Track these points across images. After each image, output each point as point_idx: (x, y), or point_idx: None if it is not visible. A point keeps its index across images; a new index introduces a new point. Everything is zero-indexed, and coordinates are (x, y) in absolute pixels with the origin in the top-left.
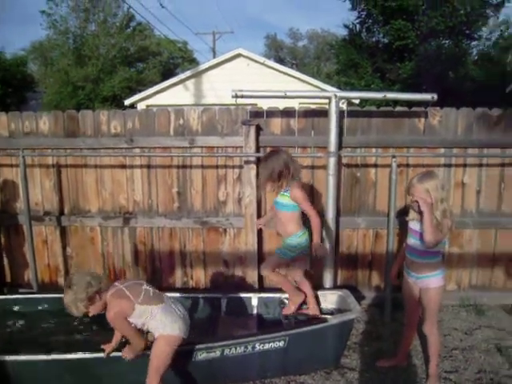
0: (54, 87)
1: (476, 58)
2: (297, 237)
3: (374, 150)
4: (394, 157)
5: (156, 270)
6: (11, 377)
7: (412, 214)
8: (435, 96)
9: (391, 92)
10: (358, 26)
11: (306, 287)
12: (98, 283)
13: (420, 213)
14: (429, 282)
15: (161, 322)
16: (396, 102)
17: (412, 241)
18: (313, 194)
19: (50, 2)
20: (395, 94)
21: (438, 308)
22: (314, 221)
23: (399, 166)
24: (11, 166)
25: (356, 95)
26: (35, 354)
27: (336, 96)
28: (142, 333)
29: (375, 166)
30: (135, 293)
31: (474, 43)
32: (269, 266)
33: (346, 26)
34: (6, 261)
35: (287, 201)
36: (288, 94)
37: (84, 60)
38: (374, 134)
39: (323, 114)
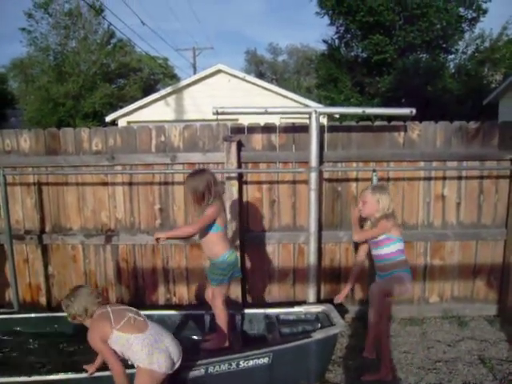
0: (35, 104)
1: (453, 71)
2: (225, 257)
3: (354, 164)
4: (374, 171)
5: (139, 288)
6: None
7: (367, 225)
8: (414, 110)
9: (370, 107)
10: (336, 40)
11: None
12: (93, 306)
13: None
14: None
15: (136, 353)
16: (376, 117)
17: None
18: (295, 209)
19: (30, 20)
20: (374, 109)
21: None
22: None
23: (380, 179)
24: None
25: (336, 111)
26: (16, 376)
27: (316, 112)
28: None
29: (356, 180)
30: (118, 318)
31: (451, 57)
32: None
33: (325, 41)
34: None
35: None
36: (269, 110)
37: (65, 77)
38: (354, 149)
39: (304, 129)
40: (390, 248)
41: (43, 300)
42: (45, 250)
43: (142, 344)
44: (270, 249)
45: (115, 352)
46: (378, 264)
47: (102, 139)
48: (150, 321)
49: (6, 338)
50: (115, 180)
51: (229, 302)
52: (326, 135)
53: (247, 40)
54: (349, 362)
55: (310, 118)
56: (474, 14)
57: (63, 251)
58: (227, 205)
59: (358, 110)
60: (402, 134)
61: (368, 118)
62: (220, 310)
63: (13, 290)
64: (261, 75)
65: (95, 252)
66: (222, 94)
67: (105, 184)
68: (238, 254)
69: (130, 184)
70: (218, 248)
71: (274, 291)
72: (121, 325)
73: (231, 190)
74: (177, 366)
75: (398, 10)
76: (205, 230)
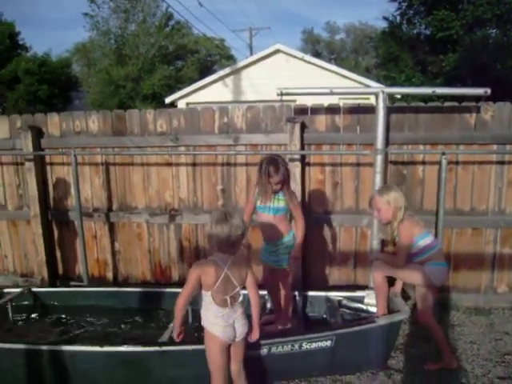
0: (97, 87)
1: None
2: (290, 236)
3: (421, 146)
4: (443, 154)
5: None
6: (67, 367)
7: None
8: (488, 90)
9: (441, 87)
10: (398, 17)
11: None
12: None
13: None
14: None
15: (205, 310)
16: (438, 97)
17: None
18: (357, 192)
19: (92, 5)
20: (445, 89)
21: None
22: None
23: (448, 163)
24: (63, 164)
25: (404, 91)
26: (89, 346)
27: (383, 92)
28: None
29: (423, 163)
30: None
31: None
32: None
33: (385, 18)
34: (58, 255)
35: (282, 204)
36: (334, 90)
37: (125, 59)
38: (421, 131)
39: (369, 110)
40: (416, 247)
41: (110, 275)
42: (112, 228)
43: (216, 315)
44: (331, 231)
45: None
46: (413, 262)
47: (167, 120)
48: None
49: (77, 310)
50: (179, 161)
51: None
52: (392, 116)
53: (304, 19)
54: (411, 350)
55: (376, 98)
56: None
57: (129, 229)
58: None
59: (428, 91)
60: (474, 115)
61: (431, 98)
62: (288, 290)
63: (83, 265)
64: (318, 55)
65: (159, 231)
66: (280, 75)
67: (169, 164)
68: None
69: (194, 165)
70: (285, 227)
71: (335, 274)
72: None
73: (294, 172)
74: (238, 339)
75: None
76: (272, 213)
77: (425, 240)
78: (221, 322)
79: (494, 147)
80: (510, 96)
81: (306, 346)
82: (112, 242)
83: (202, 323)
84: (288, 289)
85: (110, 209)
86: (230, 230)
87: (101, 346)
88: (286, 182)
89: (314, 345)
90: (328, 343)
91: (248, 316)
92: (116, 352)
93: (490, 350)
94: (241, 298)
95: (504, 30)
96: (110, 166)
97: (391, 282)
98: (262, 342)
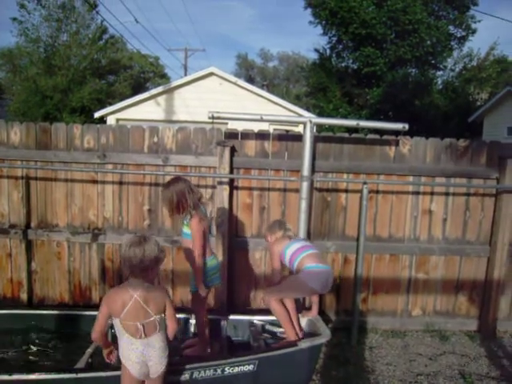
0: (22, 95)
1: (441, 87)
2: (208, 261)
3: (345, 175)
4: (365, 183)
5: None
6: None
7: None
8: (406, 126)
9: (364, 120)
10: (328, 50)
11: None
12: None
13: None
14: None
15: (119, 341)
16: (362, 129)
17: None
18: (284, 216)
19: (22, 10)
20: (368, 123)
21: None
22: (195, 262)
23: (369, 191)
24: None
25: (330, 122)
26: None
27: (311, 122)
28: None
29: (346, 191)
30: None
31: (439, 73)
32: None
33: (316, 50)
34: None
35: (188, 230)
36: (264, 117)
37: (54, 70)
38: (346, 160)
39: (297, 138)
40: (287, 258)
41: (24, 296)
42: (29, 246)
43: (128, 348)
44: (257, 255)
45: None
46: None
47: (95, 136)
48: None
49: None
50: (105, 178)
51: (212, 308)
52: (319, 145)
53: (239, 44)
54: (332, 372)
55: (304, 127)
56: (464, 33)
57: (48, 247)
58: (217, 209)
59: (353, 123)
60: (393, 148)
61: (356, 129)
62: (200, 316)
63: None
64: (251, 80)
65: (80, 250)
66: (212, 97)
67: (94, 182)
68: (221, 259)
69: (121, 183)
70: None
71: (259, 298)
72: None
73: (222, 195)
74: (153, 376)
75: (390, 24)
76: (183, 237)
77: (291, 249)
78: (133, 357)
79: (411, 178)
80: (427, 131)
81: (228, 370)
82: (29, 261)
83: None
84: (199, 313)
85: (28, 225)
86: (142, 255)
87: (9, 374)
88: (176, 209)
89: (236, 369)
90: (251, 367)
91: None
92: (27, 380)
93: (404, 371)
94: (158, 332)
95: (422, 70)
96: (31, 181)
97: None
98: (184, 366)
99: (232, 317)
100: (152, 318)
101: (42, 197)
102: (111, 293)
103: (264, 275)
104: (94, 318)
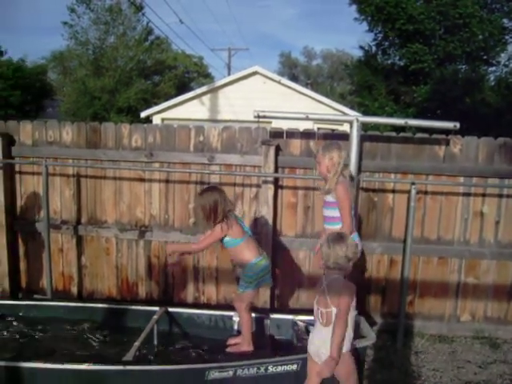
0: (72, 96)
1: (493, 83)
2: (252, 264)
3: (392, 175)
4: (413, 183)
5: (168, 284)
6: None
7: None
8: (457, 124)
9: (413, 119)
10: (373, 47)
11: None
12: None
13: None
14: None
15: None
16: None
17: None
18: None
19: (72, 14)
20: (417, 121)
21: None
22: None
23: (417, 192)
24: (33, 174)
25: (378, 120)
26: (50, 363)
27: (358, 120)
28: None
29: (393, 191)
30: None
31: (492, 69)
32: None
33: (361, 47)
34: (22, 266)
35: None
36: (310, 116)
37: (102, 71)
38: (393, 160)
39: (343, 137)
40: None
41: (74, 290)
42: (79, 241)
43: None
44: (301, 255)
45: None
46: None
47: (142, 136)
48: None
49: (38, 324)
50: (152, 177)
51: (257, 306)
52: (366, 144)
53: (282, 43)
54: (377, 376)
55: (350, 126)
56: None
57: (97, 243)
58: (263, 208)
59: (401, 121)
60: (443, 147)
61: (402, 128)
62: (243, 314)
63: (47, 278)
64: (294, 78)
65: (128, 246)
66: (256, 96)
67: (142, 180)
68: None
69: (167, 181)
70: (243, 257)
71: (303, 298)
72: None
73: (267, 194)
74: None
75: (438, 19)
76: (225, 246)
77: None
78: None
79: (461, 179)
80: (477, 129)
81: (272, 369)
82: (79, 256)
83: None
84: (242, 312)
85: (78, 222)
86: (346, 250)
87: (62, 363)
88: (208, 217)
89: (280, 368)
90: (294, 367)
91: None
92: (78, 370)
93: (452, 378)
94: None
95: (473, 66)
96: (81, 179)
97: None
98: (228, 363)
99: (275, 316)
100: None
101: (92, 194)
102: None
103: (308, 275)
104: (141, 312)
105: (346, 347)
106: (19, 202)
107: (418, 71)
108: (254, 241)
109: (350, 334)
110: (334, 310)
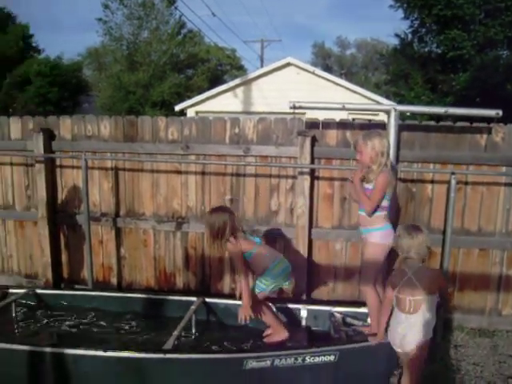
0: (107, 91)
1: None
2: (270, 270)
3: (431, 165)
4: (453, 173)
5: (205, 275)
6: (68, 370)
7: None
8: (500, 112)
9: (453, 107)
10: (409, 35)
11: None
12: None
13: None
14: (367, 236)
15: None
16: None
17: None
18: None
19: (106, 10)
20: (457, 110)
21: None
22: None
23: (458, 182)
24: (72, 167)
25: (416, 109)
26: (92, 350)
27: (395, 110)
28: None
29: (432, 182)
30: None
31: None
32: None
33: (397, 35)
34: (63, 258)
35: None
36: (346, 106)
37: (136, 66)
38: (432, 150)
39: (380, 127)
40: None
41: (114, 280)
42: (118, 233)
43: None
44: (337, 246)
45: None
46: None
47: (178, 128)
48: None
49: (79, 313)
50: (188, 169)
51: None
52: (404, 134)
53: (315, 33)
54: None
55: (388, 115)
56: None
57: (135, 235)
58: (299, 200)
59: (441, 110)
60: (485, 136)
61: (440, 118)
62: (260, 310)
63: (88, 269)
64: (328, 69)
65: (165, 238)
66: (290, 88)
67: (178, 172)
68: (301, 249)
69: (203, 173)
70: (261, 264)
71: (339, 289)
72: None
73: (303, 185)
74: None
75: (478, 3)
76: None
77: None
78: (394, 326)
79: (503, 169)
80: None
81: (309, 359)
82: (118, 248)
83: None
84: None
85: (117, 214)
86: (426, 239)
87: (104, 350)
88: (214, 237)
89: (317, 359)
90: (332, 358)
91: None
92: (119, 357)
93: (493, 373)
94: (422, 306)
95: None
96: (119, 172)
97: None
98: (266, 353)
99: (312, 307)
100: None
101: (130, 187)
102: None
103: (344, 266)
104: (179, 302)
105: (429, 334)
106: (60, 196)
107: (456, 58)
108: (268, 247)
109: (432, 321)
110: (426, 297)
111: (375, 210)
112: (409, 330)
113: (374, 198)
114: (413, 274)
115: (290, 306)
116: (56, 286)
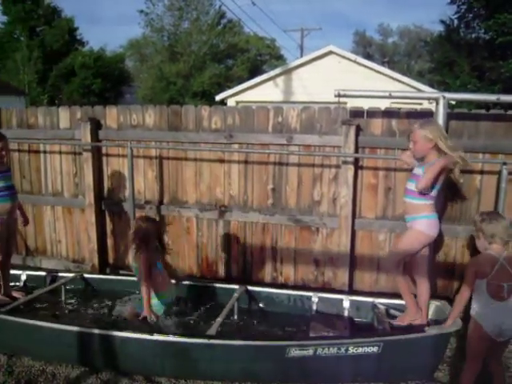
0: (149, 82)
1: None
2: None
3: (480, 155)
4: (504, 164)
5: (247, 263)
6: (116, 351)
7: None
8: None
9: (505, 95)
10: (456, 21)
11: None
12: None
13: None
14: (413, 224)
15: (475, 300)
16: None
17: (409, 183)
18: None
19: (147, 2)
20: (510, 97)
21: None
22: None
23: (509, 173)
24: (118, 156)
25: (465, 97)
26: (139, 333)
27: (444, 97)
28: None
29: (481, 172)
30: None
31: None
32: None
33: (442, 22)
34: (109, 244)
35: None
36: (393, 94)
37: (176, 56)
38: (481, 139)
39: (428, 115)
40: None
41: None
42: (162, 220)
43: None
44: (381, 237)
45: None
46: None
47: (221, 118)
48: None
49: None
50: (231, 158)
51: (334, 287)
52: (452, 123)
53: (356, 21)
54: (460, 364)
55: (436, 103)
56: None
57: (178, 222)
58: (342, 189)
59: (492, 98)
60: None
61: (488, 107)
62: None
63: None
64: (369, 57)
65: (208, 226)
66: (331, 77)
67: (221, 161)
68: (344, 239)
69: (246, 162)
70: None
71: (382, 281)
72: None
73: (346, 175)
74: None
75: None
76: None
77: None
78: (490, 314)
79: None
80: None
81: (352, 350)
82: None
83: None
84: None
85: (161, 202)
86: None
87: (150, 334)
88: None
89: (360, 349)
90: (375, 349)
91: None
92: (165, 341)
93: None
94: None
95: None
96: (163, 160)
97: None
98: (309, 342)
99: (355, 298)
100: None
101: (174, 175)
102: (478, 258)
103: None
104: (223, 290)
105: None
106: (106, 183)
107: (505, 44)
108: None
109: None
110: None
111: (418, 197)
112: (509, 317)
113: (433, 170)
114: (505, 260)
115: (333, 296)
116: (102, 271)
